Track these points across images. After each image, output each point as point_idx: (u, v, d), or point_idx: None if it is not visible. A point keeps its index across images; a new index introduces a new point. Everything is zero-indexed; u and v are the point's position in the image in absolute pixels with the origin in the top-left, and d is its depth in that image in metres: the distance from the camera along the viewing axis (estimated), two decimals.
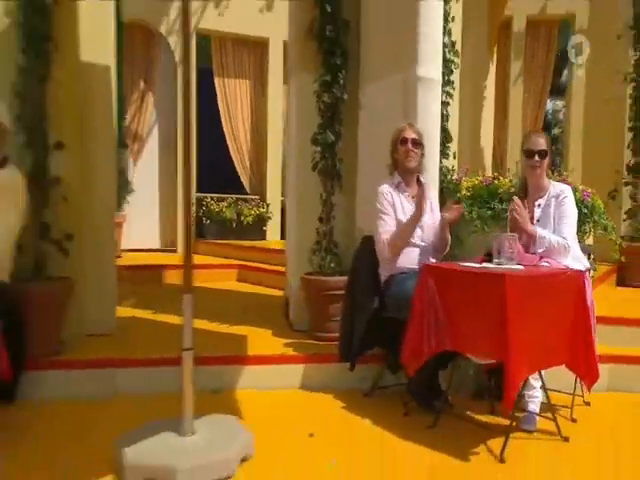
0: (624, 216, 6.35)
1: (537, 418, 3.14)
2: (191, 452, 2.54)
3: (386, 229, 3.50)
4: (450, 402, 3.33)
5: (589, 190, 4.17)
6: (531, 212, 3.37)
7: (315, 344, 4.10)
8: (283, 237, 9.50)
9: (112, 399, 3.44)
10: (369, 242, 3.68)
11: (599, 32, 7.33)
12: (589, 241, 4.51)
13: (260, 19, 9.38)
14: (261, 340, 4.22)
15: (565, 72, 13.06)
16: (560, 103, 15.04)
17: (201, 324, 4.65)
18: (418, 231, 3.53)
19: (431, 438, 2.98)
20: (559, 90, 12.55)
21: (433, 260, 3.54)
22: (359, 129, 4.39)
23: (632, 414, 3.50)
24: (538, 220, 3.36)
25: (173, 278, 7.23)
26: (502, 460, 2.73)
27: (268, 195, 9.67)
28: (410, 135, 3.60)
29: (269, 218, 9.58)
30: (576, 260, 3.33)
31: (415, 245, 3.52)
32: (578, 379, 3.25)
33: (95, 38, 4.13)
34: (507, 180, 4.39)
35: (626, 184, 6.43)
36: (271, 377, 3.75)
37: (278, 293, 6.20)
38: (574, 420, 3.26)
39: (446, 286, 3.02)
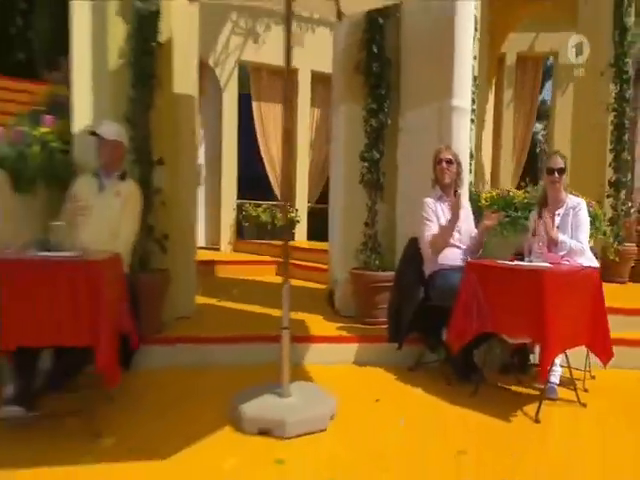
0: (607, 223, 6.52)
1: (557, 388, 3.35)
2: (293, 409, 2.74)
3: (430, 232, 3.69)
4: (484, 376, 3.52)
5: (593, 202, 4.36)
6: (552, 220, 3.55)
7: (363, 328, 4.26)
8: (309, 238, 9.71)
9: (208, 369, 3.62)
10: (415, 243, 3.87)
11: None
12: (590, 244, 4.69)
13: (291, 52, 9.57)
14: (316, 324, 4.37)
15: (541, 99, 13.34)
16: (539, 125, 15.23)
17: (262, 310, 4.87)
18: (456, 235, 3.72)
19: (474, 404, 3.17)
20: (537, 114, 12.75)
21: (469, 259, 3.73)
22: (399, 149, 4.58)
23: (634, 386, 3.70)
24: (558, 227, 3.54)
25: (222, 272, 7.45)
26: (537, 420, 2.93)
27: (297, 202, 9.83)
28: (445, 156, 3.80)
29: (297, 222, 9.74)
30: (588, 260, 3.54)
31: (454, 246, 3.71)
32: (593, 357, 3.44)
33: (183, 73, 4.31)
34: (521, 192, 4.60)
35: (608, 196, 6.60)
36: (330, 354, 3.93)
37: (314, 285, 6.39)
38: (586, 390, 3.44)
39: (487, 279, 3.20)
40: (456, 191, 3.87)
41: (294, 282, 6.77)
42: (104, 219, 3.28)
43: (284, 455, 2.44)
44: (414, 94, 4.48)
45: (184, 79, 4.32)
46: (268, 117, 9.82)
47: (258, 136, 9.78)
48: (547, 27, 9.36)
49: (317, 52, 9.53)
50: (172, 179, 4.16)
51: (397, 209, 4.61)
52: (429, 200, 3.77)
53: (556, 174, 3.54)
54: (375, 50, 4.50)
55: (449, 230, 3.66)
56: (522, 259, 3.41)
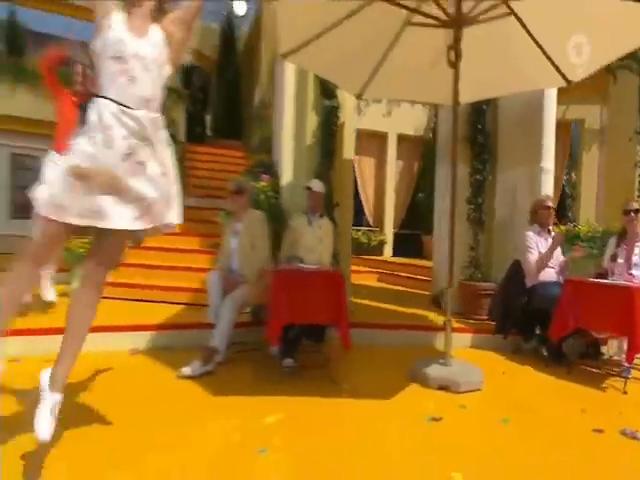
0: None
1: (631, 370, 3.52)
2: (458, 374, 3.08)
3: (534, 257, 3.95)
4: (572, 360, 3.72)
5: None
6: (631, 251, 3.70)
7: (471, 322, 4.51)
8: (394, 254, 10.00)
9: (372, 346, 3.95)
10: (517, 264, 4.12)
11: (612, 132, 7.49)
12: None
13: (383, 120, 10.02)
14: (436, 318, 4.62)
15: None
16: None
17: (392, 307, 5.23)
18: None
19: (572, 379, 3.38)
20: None
21: (560, 276, 3.97)
22: (496, 197, 4.91)
23: None
24: (636, 255, 3.69)
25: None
26: (625, 392, 3.15)
27: (385, 227, 10.21)
28: (549, 204, 4.08)
29: (385, 242, 10.09)
30: None
31: (549, 267, 3.98)
32: None
33: (347, 144, 4.83)
34: (584, 227, 4.79)
35: None
36: (454, 340, 4.14)
37: (409, 289, 6.72)
38: None
39: (580, 291, 3.44)
40: (549, 230, 4.12)
41: (395, 287, 7.23)
42: (313, 244, 3.77)
43: (463, 403, 2.81)
44: (509, 157, 4.80)
45: (347, 148, 4.85)
46: (365, 167, 10.30)
47: (358, 181, 10.26)
48: (576, 100, 9.38)
49: (400, 120, 9.99)
50: (340, 216, 4.66)
51: (493, 239, 4.92)
52: (530, 233, 4.04)
53: (632, 214, 3.74)
54: (479, 127, 4.88)
55: (550, 254, 3.92)
56: (603, 278, 3.63)
